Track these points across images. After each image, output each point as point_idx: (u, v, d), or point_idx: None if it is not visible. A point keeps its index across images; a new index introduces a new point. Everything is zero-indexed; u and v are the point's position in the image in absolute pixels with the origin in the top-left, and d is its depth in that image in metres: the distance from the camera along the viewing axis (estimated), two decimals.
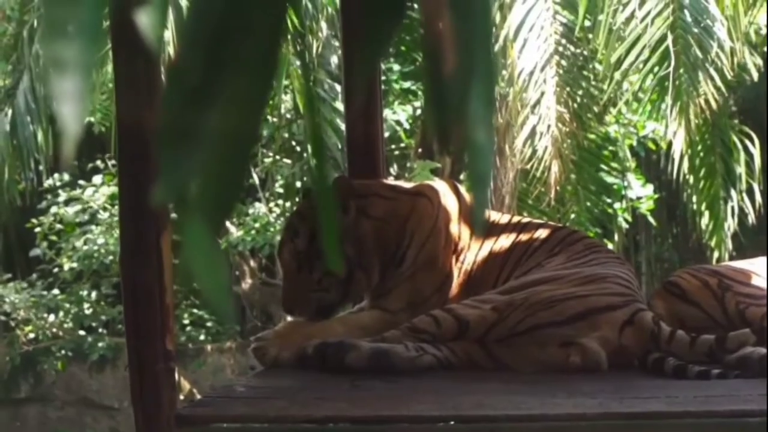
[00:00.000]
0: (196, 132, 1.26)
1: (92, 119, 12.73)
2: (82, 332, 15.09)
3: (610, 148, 12.45)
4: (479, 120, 1.29)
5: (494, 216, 4.90)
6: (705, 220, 11.38)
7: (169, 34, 7.60)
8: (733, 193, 11.34)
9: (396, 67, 13.15)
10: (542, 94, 10.33)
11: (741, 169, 11.41)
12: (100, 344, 14.84)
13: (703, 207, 11.38)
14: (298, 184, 13.88)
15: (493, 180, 11.50)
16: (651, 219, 13.59)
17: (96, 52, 1.20)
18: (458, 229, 4.69)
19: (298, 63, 11.03)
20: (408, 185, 5.05)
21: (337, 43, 11.50)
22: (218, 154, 1.27)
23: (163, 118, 1.26)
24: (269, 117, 12.89)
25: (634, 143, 12.99)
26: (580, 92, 10.74)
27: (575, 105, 10.60)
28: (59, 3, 1.20)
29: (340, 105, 11.34)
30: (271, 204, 14.71)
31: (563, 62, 10.49)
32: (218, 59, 1.27)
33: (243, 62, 1.28)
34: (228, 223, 14.45)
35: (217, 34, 1.27)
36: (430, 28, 1.29)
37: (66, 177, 14.82)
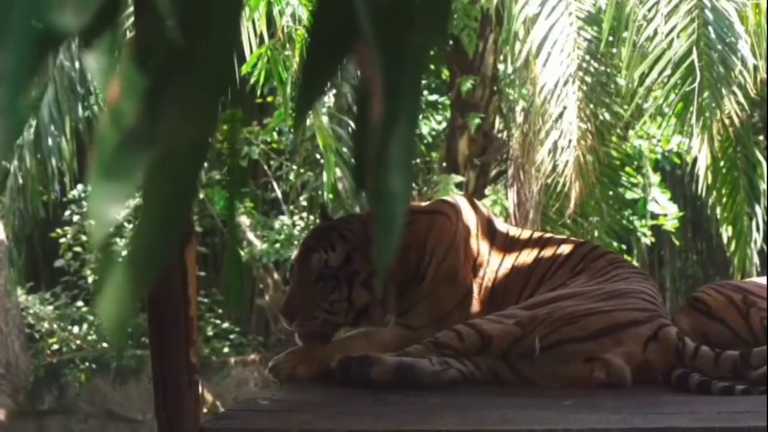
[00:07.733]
0: (129, 174, 1.24)
1: None
2: (105, 344, 15.13)
3: (634, 163, 12.42)
4: (397, 165, 1.29)
5: (513, 231, 4.89)
6: (728, 236, 11.33)
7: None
8: (757, 208, 11.28)
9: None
10: (564, 108, 10.29)
11: (765, 185, 11.35)
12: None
13: (726, 222, 11.32)
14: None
15: (516, 194, 11.49)
16: (674, 239, 13.58)
17: (20, 98, 1.17)
18: (476, 245, 4.68)
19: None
20: (425, 204, 5.01)
21: None
22: (153, 197, 1.25)
23: (96, 157, 1.24)
24: (291, 131, 12.91)
25: (659, 157, 12.96)
26: (603, 108, 10.70)
27: (597, 121, 10.55)
28: None
29: None
30: (295, 217, 14.73)
31: (587, 78, 10.46)
32: (159, 104, 1.25)
33: (185, 111, 1.25)
34: (252, 236, 14.48)
35: (160, 78, 1.25)
36: (362, 76, 1.29)
37: (90, 188, 14.87)
